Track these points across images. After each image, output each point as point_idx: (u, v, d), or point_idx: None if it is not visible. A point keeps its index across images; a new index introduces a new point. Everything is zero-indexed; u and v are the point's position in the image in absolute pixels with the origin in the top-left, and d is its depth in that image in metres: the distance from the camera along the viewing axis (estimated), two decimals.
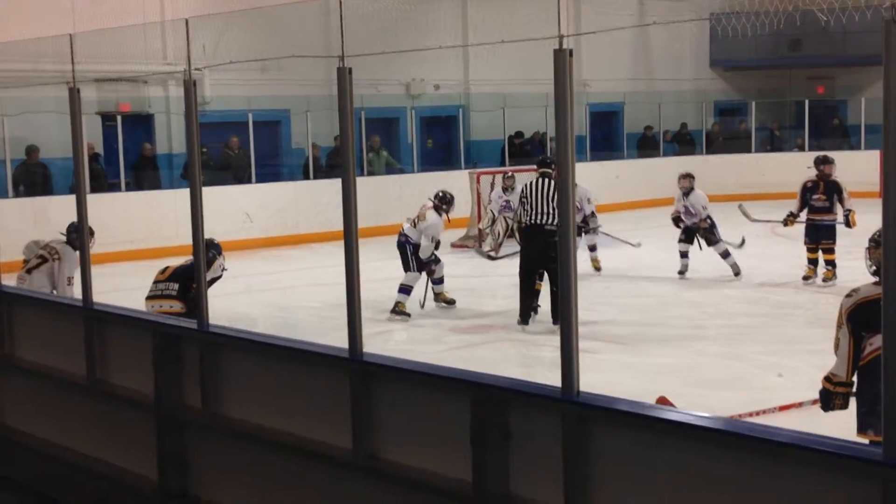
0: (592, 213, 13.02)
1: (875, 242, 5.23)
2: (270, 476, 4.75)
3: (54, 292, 8.58)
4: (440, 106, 21.46)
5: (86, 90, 17.09)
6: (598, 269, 13.24)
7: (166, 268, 8.18)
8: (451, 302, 11.07)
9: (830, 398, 5.12)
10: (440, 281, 11.07)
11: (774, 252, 13.93)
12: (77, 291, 8.33)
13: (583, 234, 12.95)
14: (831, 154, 12.86)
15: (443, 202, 11.02)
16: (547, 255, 9.68)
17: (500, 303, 11.27)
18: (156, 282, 8.09)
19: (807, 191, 11.93)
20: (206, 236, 7.56)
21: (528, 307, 10.02)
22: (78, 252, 8.34)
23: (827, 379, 5.13)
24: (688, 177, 12.80)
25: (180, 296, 7.86)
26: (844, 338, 5.04)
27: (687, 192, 12.66)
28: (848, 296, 5.10)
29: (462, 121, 20.87)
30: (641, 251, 14.28)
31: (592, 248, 13.33)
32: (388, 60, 16.89)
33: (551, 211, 9.88)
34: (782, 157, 22.50)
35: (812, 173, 12.09)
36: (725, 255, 12.58)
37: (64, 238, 8.80)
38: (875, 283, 4.97)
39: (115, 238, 14.28)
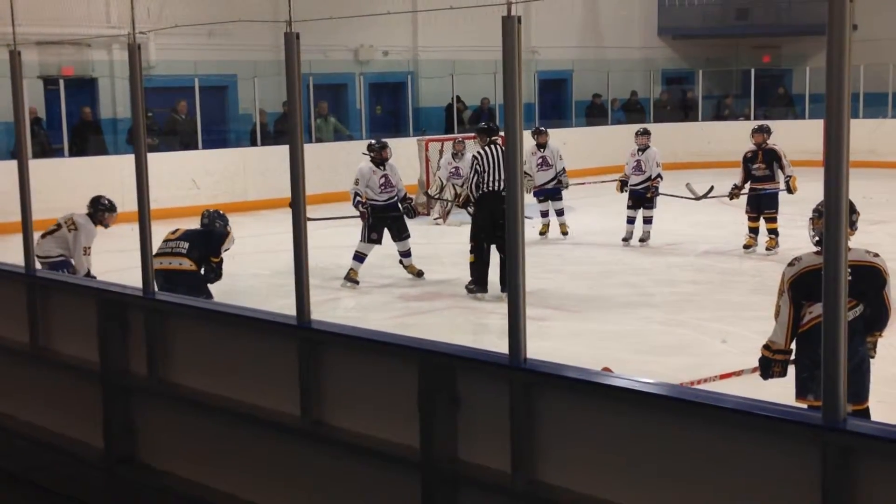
0: (563, 168, 13.47)
1: (818, 212, 5.31)
2: (217, 443, 4.73)
3: (70, 260, 8.89)
4: (389, 72, 21.34)
5: (27, 53, 16.79)
6: (565, 233, 13.48)
7: (177, 229, 8.84)
8: (419, 274, 11.05)
9: (769, 366, 5.20)
10: (408, 254, 11.08)
11: (721, 220, 14.08)
12: (95, 262, 8.83)
13: (560, 194, 13.37)
14: (776, 123, 13.05)
15: (370, 149, 11.09)
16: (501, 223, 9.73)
17: (449, 270, 11.29)
18: (166, 240, 8.68)
19: (747, 161, 12.07)
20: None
21: (484, 274, 10.00)
22: (96, 225, 8.85)
23: (766, 347, 5.21)
24: (645, 133, 13.14)
25: (189, 254, 8.56)
26: (785, 305, 5.12)
27: (643, 149, 12.89)
28: (790, 264, 5.17)
29: (411, 87, 20.77)
30: (590, 218, 14.37)
31: (560, 213, 13.54)
32: (337, 26, 16.77)
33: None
34: (728, 125, 22.68)
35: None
36: (649, 221, 12.91)
37: (87, 210, 9.00)
38: (817, 253, 5.04)
39: (58, 204, 14.04)
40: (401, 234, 10.94)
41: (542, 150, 13.59)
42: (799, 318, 5.07)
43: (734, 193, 12.17)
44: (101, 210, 8.89)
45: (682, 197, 13.45)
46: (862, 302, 5.04)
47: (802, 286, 5.02)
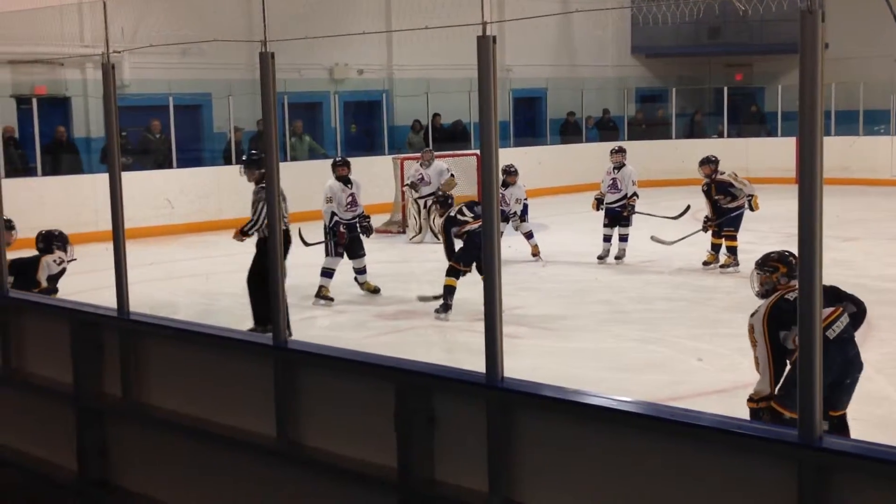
0: (515, 213, 13.10)
1: (771, 268, 5.39)
2: (193, 465, 4.70)
3: None
4: (364, 91, 21.35)
5: (0, 72, 16.67)
6: (536, 255, 13.20)
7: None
8: (375, 290, 11.05)
9: (759, 415, 5.19)
10: (363, 271, 11.08)
11: (695, 238, 14.13)
12: (68, 282, 8.39)
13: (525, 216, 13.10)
14: (749, 140, 13.07)
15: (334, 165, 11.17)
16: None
17: (425, 288, 11.27)
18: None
19: (706, 194, 12.15)
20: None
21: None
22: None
23: (750, 398, 5.21)
24: (620, 151, 13.15)
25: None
26: (762, 351, 5.13)
27: (618, 167, 12.90)
28: (753, 314, 5.23)
29: (386, 106, 20.78)
30: (565, 236, 14.38)
31: (529, 236, 13.30)
32: (312, 45, 16.76)
33: None
34: (702, 143, 22.72)
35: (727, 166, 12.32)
36: (624, 238, 12.90)
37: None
38: (764, 297, 5.34)
39: (31, 223, 13.92)
40: (357, 253, 10.99)
41: (504, 188, 12.92)
42: (782, 355, 5.06)
43: (708, 226, 12.22)
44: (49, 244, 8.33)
45: (658, 215, 13.48)
46: (841, 305, 5.15)
47: (777, 316, 5.08)
